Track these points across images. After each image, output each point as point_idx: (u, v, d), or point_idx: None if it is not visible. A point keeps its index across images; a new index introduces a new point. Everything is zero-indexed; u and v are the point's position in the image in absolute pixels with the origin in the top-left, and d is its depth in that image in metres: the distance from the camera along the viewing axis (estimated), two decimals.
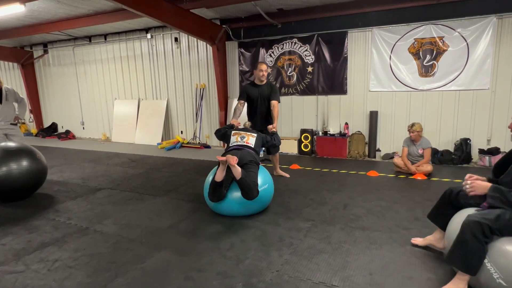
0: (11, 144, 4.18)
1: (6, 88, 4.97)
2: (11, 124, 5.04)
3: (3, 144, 4.18)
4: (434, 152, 5.77)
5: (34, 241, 2.99)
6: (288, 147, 6.98)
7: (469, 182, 2.19)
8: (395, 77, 6.18)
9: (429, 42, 5.84)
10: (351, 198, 4.03)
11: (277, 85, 7.21)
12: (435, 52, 5.83)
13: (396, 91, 6.22)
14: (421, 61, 5.95)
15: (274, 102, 4.60)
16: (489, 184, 2.12)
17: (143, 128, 8.74)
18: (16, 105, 5.16)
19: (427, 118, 6.01)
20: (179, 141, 8.05)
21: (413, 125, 4.97)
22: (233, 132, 3.86)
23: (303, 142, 6.78)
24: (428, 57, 5.89)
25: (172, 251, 2.74)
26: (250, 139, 3.80)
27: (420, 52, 5.93)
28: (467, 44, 5.60)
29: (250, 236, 2.99)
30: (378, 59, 6.26)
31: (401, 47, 6.04)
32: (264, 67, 4.59)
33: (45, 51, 10.25)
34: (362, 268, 2.43)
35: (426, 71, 5.95)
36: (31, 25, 7.80)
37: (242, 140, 3.77)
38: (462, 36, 5.61)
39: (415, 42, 5.94)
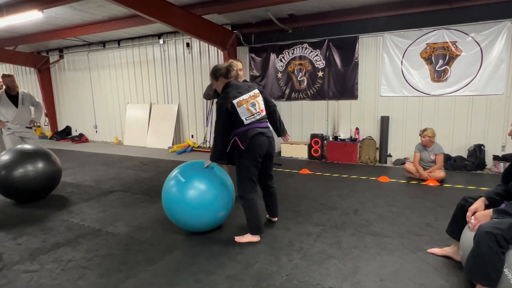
0: (27, 146, 4.29)
1: (22, 92, 5.11)
2: (27, 127, 5.17)
3: (19, 146, 4.30)
4: (447, 158, 5.68)
5: (48, 241, 3.06)
6: (298, 151, 6.97)
7: (472, 220, 2.16)
8: (407, 82, 6.13)
9: (442, 47, 5.78)
10: (362, 203, 4.00)
11: (288, 89, 7.24)
12: (447, 57, 5.77)
13: (407, 96, 6.17)
14: (433, 66, 5.89)
15: None
16: (490, 210, 2.12)
17: (155, 132, 8.85)
18: (32, 109, 5.29)
19: (439, 124, 5.93)
20: (189, 145, 8.12)
21: (425, 130, 4.91)
22: (236, 101, 2.80)
23: (313, 147, 6.76)
24: (440, 62, 5.83)
25: (182, 254, 2.77)
26: (260, 103, 2.97)
27: (433, 57, 5.87)
28: (481, 49, 5.52)
29: (260, 240, 2.99)
30: (389, 64, 6.23)
31: (413, 52, 6.00)
32: (240, 65, 3.77)
33: (61, 56, 10.51)
34: (372, 274, 2.41)
35: (439, 76, 5.88)
36: (48, 31, 8.01)
37: (255, 109, 2.88)
38: (475, 41, 5.54)
39: (427, 47, 5.89)
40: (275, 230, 3.21)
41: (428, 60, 5.92)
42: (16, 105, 4.98)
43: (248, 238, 2.97)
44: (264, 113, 2.99)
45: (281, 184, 4.94)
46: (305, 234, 3.13)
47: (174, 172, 3.08)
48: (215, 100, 3.23)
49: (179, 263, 2.61)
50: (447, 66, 5.79)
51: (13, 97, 4.97)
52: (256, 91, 2.96)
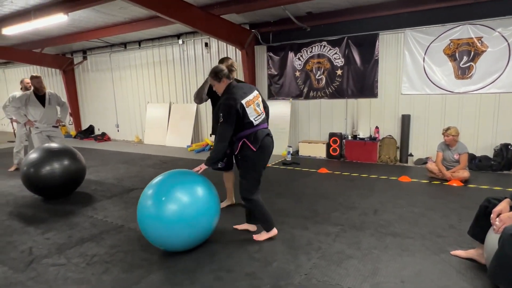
0: (54, 145, 4.47)
1: (49, 92, 5.32)
2: (53, 126, 5.38)
3: (46, 145, 4.48)
4: (471, 157, 5.50)
5: (74, 236, 3.18)
6: (317, 150, 6.92)
7: (497, 222, 2.09)
8: (429, 79, 5.96)
9: (466, 43, 5.59)
10: (382, 203, 3.94)
11: (306, 88, 7.20)
12: (472, 53, 5.57)
13: (430, 94, 6.01)
14: (457, 62, 5.71)
15: None
16: None
17: (174, 131, 8.99)
18: (58, 108, 5.50)
19: (463, 122, 5.74)
20: (208, 144, 8.21)
21: (448, 129, 4.78)
22: (245, 101, 2.75)
23: (332, 146, 6.69)
24: (465, 58, 5.64)
25: (202, 251, 2.81)
26: (261, 104, 2.95)
27: (457, 54, 5.69)
28: (509, 44, 5.30)
29: (278, 239, 3.00)
30: (411, 61, 6.08)
31: (435, 48, 5.83)
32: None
33: (84, 58, 10.84)
34: (393, 275, 2.37)
35: (463, 73, 5.70)
36: (72, 33, 8.29)
37: (260, 109, 2.88)
38: (502, 36, 5.33)
39: (451, 43, 5.71)
40: (293, 229, 3.21)
41: (451, 56, 5.74)
42: (44, 105, 5.19)
43: (266, 235, 2.97)
44: (264, 113, 2.97)
45: (298, 183, 4.94)
46: (324, 233, 3.11)
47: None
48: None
49: (199, 261, 2.65)
50: (472, 63, 5.60)
51: (40, 97, 5.18)
52: (256, 92, 2.91)
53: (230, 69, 2.86)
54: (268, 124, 3.04)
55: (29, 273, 2.54)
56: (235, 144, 2.85)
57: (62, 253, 2.84)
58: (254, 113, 2.78)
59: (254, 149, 2.75)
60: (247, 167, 2.84)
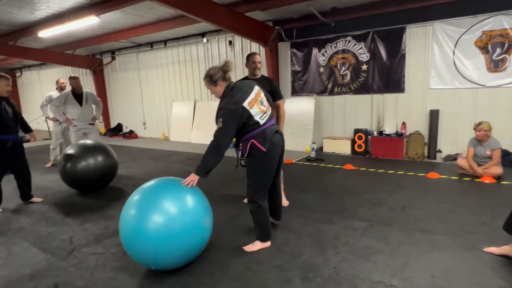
0: (89, 142, 4.71)
1: (86, 92, 5.59)
2: (89, 124, 5.65)
3: (82, 141, 4.72)
4: (505, 153, 5.29)
5: (110, 227, 3.35)
6: (341, 147, 6.87)
7: None
8: (459, 73, 5.78)
9: (500, 34, 5.37)
10: (409, 199, 3.88)
11: (330, 84, 7.14)
12: (507, 44, 5.34)
13: (460, 88, 5.82)
14: (489, 55, 5.49)
15: (280, 102, 3.70)
16: None
17: (199, 128, 9.17)
18: (94, 107, 5.76)
19: (496, 117, 5.52)
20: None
21: (480, 123, 4.62)
22: (247, 103, 2.57)
23: (357, 142, 6.63)
24: (498, 50, 5.42)
25: (231, 243, 2.90)
26: (264, 99, 2.76)
27: (489, 46, 5.47)
28: None
29: (305, 233, 3.05)
30: (439, 54, 5.90)
31: (466, 41, 5.63)
32: (258, 58, 3.79)
33: (113, 58, 11.23)
34: (423, 271, 2.36)
35: (496, 65, 5.48)
36: (102, 34, 8.62)
37: (264, 106, 2.70)
38: None
39: (483, 35, 5.50)
40: (320, 224, 3.24)
41: (483, 49, 5.53)
42: (81, 104, 5.45)
43: (259, 245, 2.79)
44: (270, 109, 2.79)
45: (324, 179, 4.94)
46: (351, 228, 3.12)
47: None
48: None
49: (229, 252, 2.74)
50: (506, 55, 5.38)
51: (78, 96, 5.44)
52: (257, 88, 2.71)
53: (225, 69, 2.64)
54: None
55: (71, 260, 2.71)
56: (243, 146, 2.70)
57: (99, 243, 3.01)
58: (259, 112, 2.61)
59: (264, 149, 2.60)
60: (256, 169, 2.70)
